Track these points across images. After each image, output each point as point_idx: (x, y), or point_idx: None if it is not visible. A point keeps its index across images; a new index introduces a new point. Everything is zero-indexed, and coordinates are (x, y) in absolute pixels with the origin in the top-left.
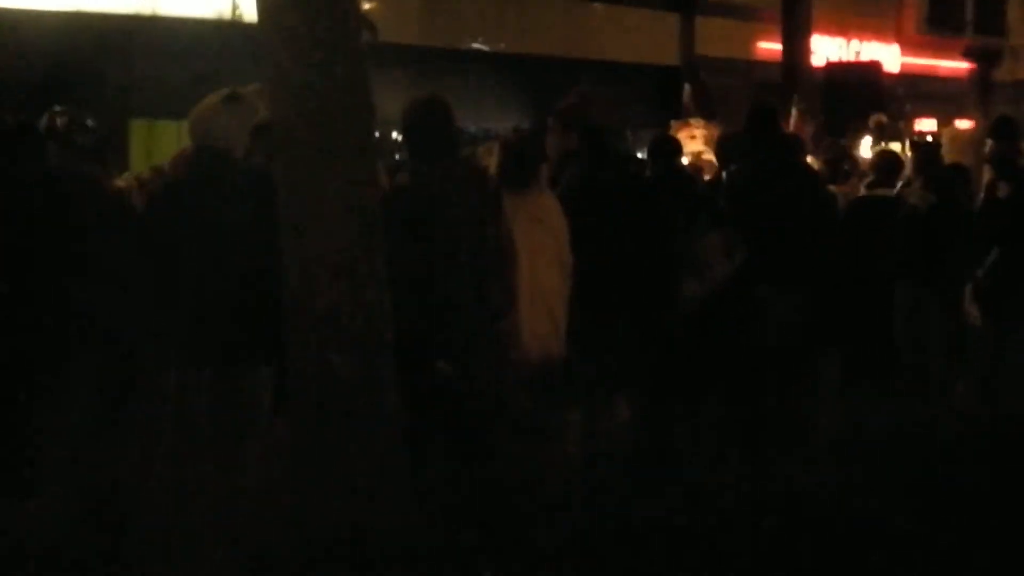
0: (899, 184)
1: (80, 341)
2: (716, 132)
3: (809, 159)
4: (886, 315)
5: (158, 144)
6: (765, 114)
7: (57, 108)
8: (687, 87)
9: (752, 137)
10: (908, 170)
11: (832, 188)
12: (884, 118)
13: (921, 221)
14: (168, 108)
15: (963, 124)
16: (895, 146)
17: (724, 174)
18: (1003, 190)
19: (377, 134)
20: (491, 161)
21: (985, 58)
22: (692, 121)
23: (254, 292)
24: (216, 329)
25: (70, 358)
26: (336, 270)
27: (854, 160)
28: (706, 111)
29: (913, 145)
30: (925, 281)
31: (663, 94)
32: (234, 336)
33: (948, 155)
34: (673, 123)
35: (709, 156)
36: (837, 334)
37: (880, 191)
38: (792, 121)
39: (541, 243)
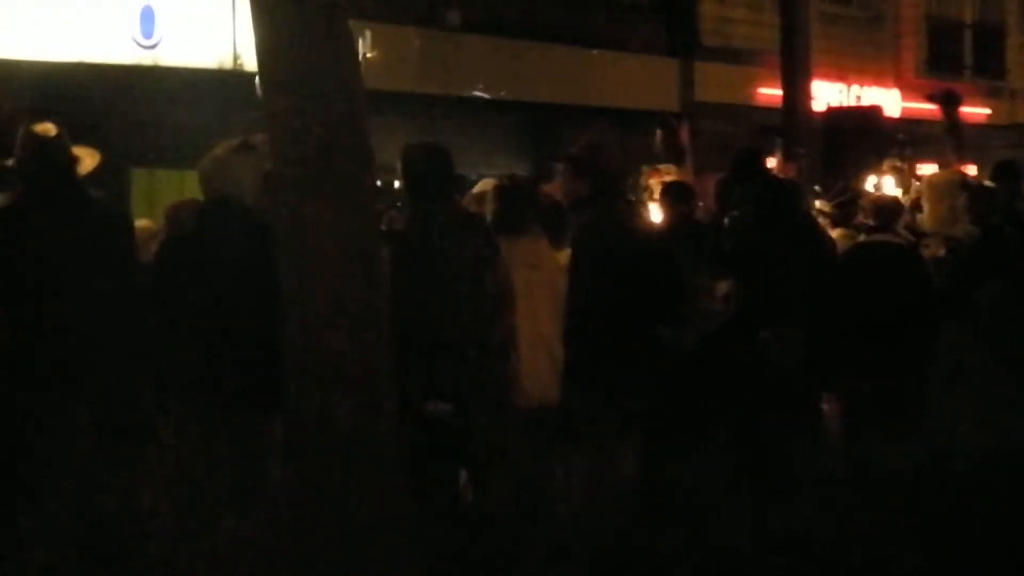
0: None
1: (82, 382)
2: (687, 177)
3: (818, 203)
4: (893, 359)
5: (159, 193)
6: (749, 158)
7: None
8: (658, 132)
9: (738, 181)
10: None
11: (834, 233)
12: (899, 162)
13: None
14: (169, 157)
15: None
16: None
17: (725, 220)
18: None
19: (377, 181)
20: (485, 207)
21: (946, 101)
22: (662, 167)
23: (267, 340)
24: (231, 377)
25: (73, 397)
26: (336, 315)
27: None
28: (677, 156)
29: (964, 185)
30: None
31: None
32: (249, 384)
33: (926, 202)
34: (644, 168)
35: None
36: (840, 378)
37: (880, 237)
38: (776, 164)
39: (539, 288)
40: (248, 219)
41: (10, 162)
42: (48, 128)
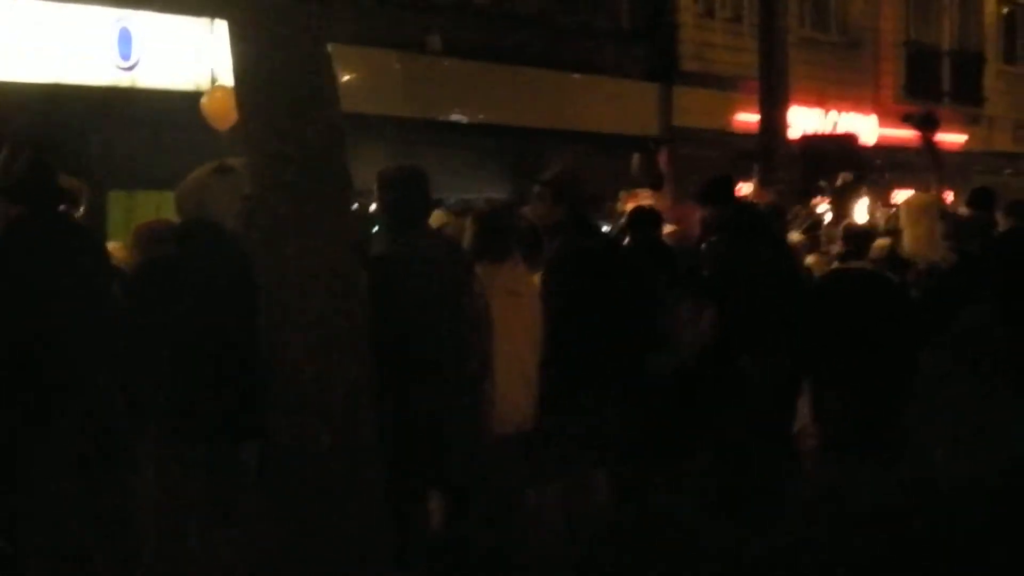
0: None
1: (63, 408)
2: (665, 202)
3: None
4: (869, 385)
5: (137, 215)
6: (720, 184)
7: None
8: (635, 156)
9: (710, 207)
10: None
11: (808, 260)
12: (850, 176)
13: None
14: (147, 179)
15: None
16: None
17: (703, 246)
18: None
19: (356, 205)
20: (465, 234)
21: (924, 124)
22: (639, 192)
23: (245, 365)
24: (208, 403)
25: (52, 423)
26: (315, 341)
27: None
28: (655, 181)
29: (942, 213)
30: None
31: None
32: (225, 410)
33: (905, 225)
34: (622, 194)
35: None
36: (818, 404)
37: (854, 264)
38: (752, 190)
39: (517, 314)
40: (226, 243)
41: None
42: (37, 150)
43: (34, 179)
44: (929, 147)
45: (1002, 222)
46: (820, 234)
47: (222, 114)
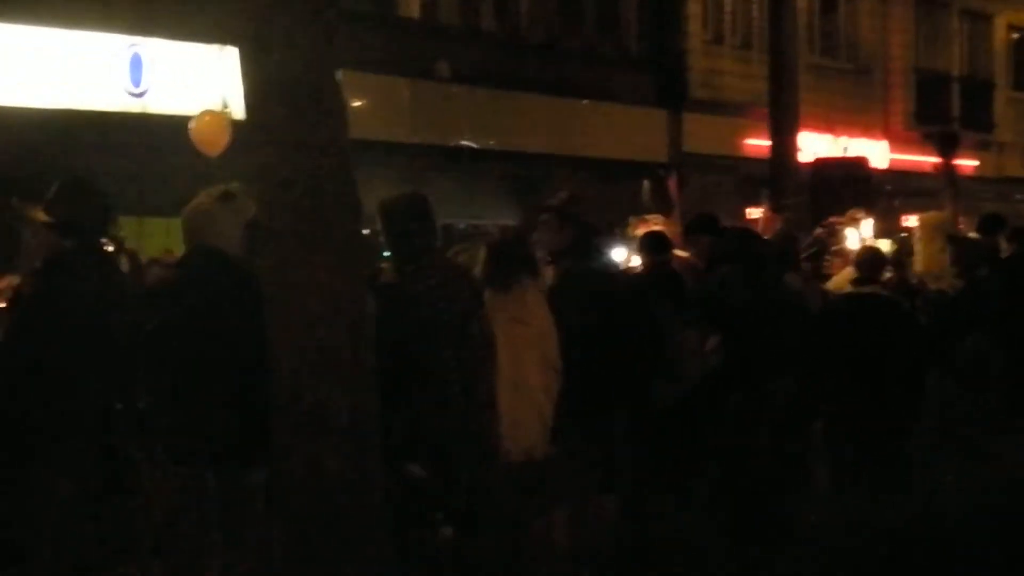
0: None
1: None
2: (675, 228)
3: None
4: (878, 410)
5: (147, 241)
6: (704, 220)
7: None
8: (645, 183)
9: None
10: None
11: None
12: (860, 214)
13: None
14: (157, 205)
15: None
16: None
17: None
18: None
19: (366, 231)
20: (476, 262)
21: (944, 143)
22: (650, 218)
23: (252, 390)
24: (215, 428)
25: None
26: (322, 367)
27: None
28: (665, 207)
29: (951, 239)
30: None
31: None
32: (233, 435)
33: (919, 242)
34: (632, 219)
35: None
36: (827, 429)
37: (868, 288)
38: (762, 217)
39: (526, 342)
40: (231, 268)
41: (44, 215)
42: (85, 181)
43: (86, 216)
44: (947, 166)
45: (1004, 248)
46: (826, 259)
47: (211, 139)
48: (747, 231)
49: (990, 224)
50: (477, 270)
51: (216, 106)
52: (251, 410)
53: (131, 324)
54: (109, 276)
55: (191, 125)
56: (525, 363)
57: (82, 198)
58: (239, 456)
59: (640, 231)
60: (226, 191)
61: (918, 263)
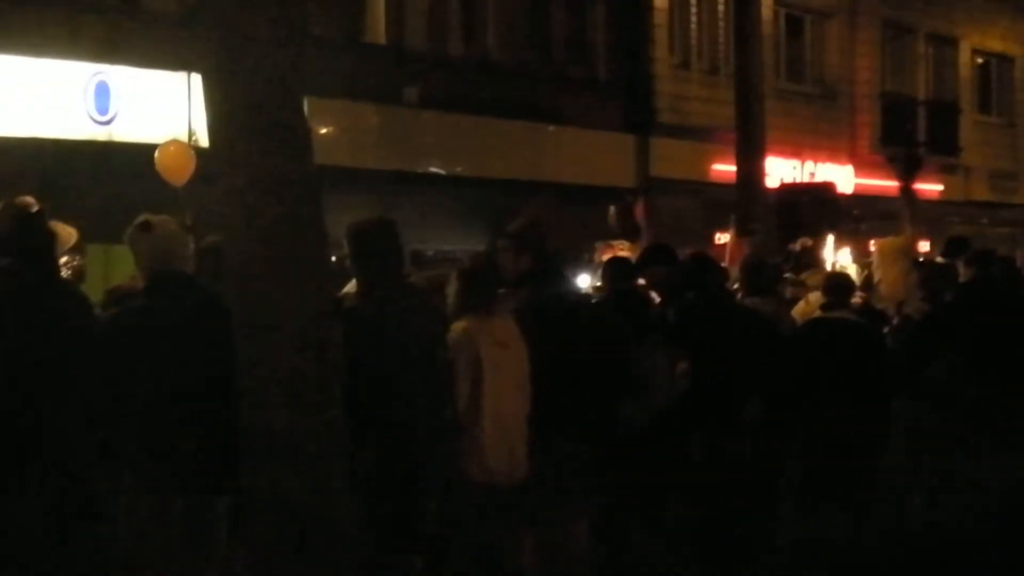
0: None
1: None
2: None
3: None
4: (847, 433)
5: (114, 269)
6: (657, 250)
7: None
8: (611, 209)
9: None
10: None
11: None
12: (809, 242)
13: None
14: (124, 233)
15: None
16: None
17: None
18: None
19: (334, 257)
20: (448, 288)
21: (907, 164)
22: (615, 243)
23: (219, 416)
24: (180, 454)
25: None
26: (290, 394)
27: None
28: (631, 232)
29: (916, 263)
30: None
31: None
32: (197, 461)
33: (878, 268)
34: (597, 245)
35: None
36: (798, 452)
37: (837, 313)
38: (729, 242)
39: (507, 367)
40: (197, 292)
41: None
42: (28, 203)
43: (20, 233)
44: (907, 189)
45: (962, 272)
46: (786, 280)
47: (176, 169)
48: (703, 258)
49: (955, 248)
50: (449, 295)
51: (181, 135)
52: (218, 436)
53: (93, 349)
54: (55, 296)
55: (156, 155)
56: (505, 387)
57: (16, 217)
58: (206, 482)
59: (606, 256)
60: (145, 221)
61: (880, 289)
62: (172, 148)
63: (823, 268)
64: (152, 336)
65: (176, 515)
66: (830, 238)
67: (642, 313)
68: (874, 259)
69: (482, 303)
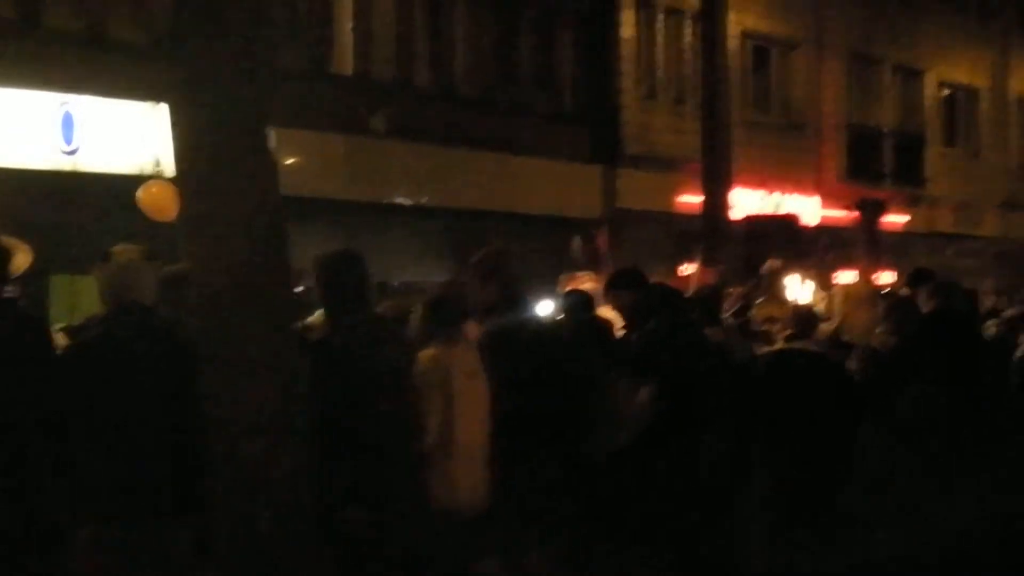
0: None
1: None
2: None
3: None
4: (811, 465)
5: (80, 299)
6: (627, 274)
7: None
8: (575, 240)
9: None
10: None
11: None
12: (778, 263)
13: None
14: (89, 264)
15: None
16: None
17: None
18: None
19: (300, 288)
20: (413, 318)
21: (871, 209)
22: (579, 274)
23: (181, 445)
24: (148, 484)
25: None
26: (256, 424)
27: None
28: (595, 264)
29: (883, 295)
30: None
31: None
32: (156, 489)
33: (842, 310)
34: (562, 277)
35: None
36: (765, 481)
37: (799, 344)
38: (695, 272)
39: (474, 396)
40: (156, 323)
41: None
42: None
43: None
44: (870, 232)
45: (924, 303)
46: (751, 315)
47: (158, 208)
48: (669, 287)
49: (919, 279)
50: (413, 327)
51: (151, 167)
52: (177, 462)
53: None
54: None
55: (139, 195)
56: (473, 416)
57: None
58: (167, 508)
59: (570, 288)
60: (106, 253)
61: (844, 332)
62: (154, 189)
63: (780, 297)
64: (107, 365)
65: (139, 543)
66: (794, 277)
67: (605, 343)
68: (837, 301)
69: (449, 332)
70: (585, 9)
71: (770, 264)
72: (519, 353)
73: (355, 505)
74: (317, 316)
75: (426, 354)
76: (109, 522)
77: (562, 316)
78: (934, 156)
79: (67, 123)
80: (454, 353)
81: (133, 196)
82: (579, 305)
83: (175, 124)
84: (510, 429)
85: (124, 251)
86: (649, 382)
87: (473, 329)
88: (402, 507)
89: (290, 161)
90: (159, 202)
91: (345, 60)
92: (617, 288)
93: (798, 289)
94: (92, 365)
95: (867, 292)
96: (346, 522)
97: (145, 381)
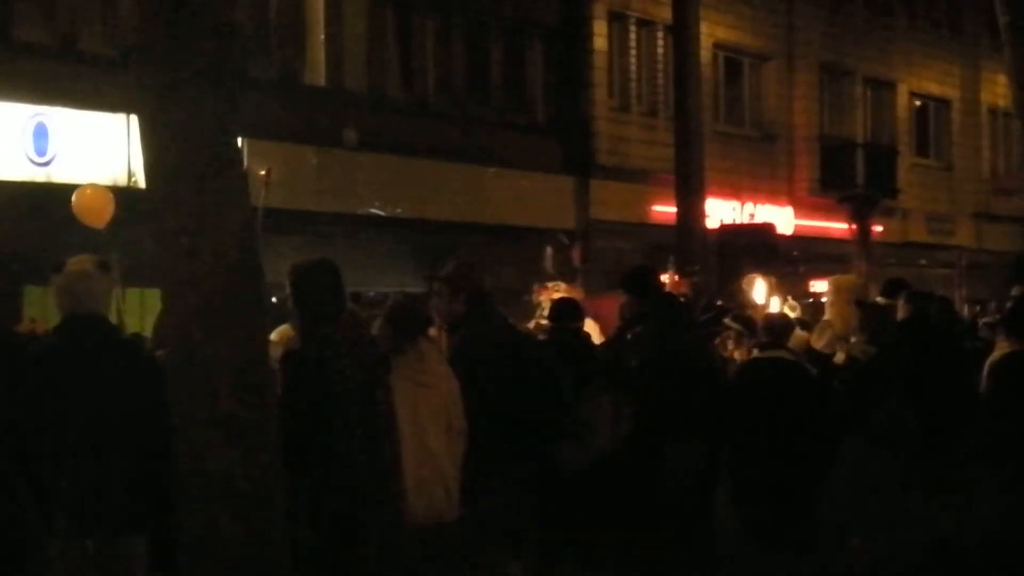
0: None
1: None
2: (578, 295)
3: None
4: (786, 473)
5: (52, 310)
6: (642, 275)
7: None
8: (548, 250)
9: (632, 298)
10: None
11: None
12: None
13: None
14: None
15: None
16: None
17: (628, 336)
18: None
19: (273, 299)
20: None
21: (860, 205)
22: (551, 284)
23: (133, 458)
24: (97, 497)
25: None
26: (227, 434)
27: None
28: (567, 274)
29: (858, 304)
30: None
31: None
32: (115, 504)
33: (831, 306)
34: (535, 287)
35: None
36: (738, 492)
37: (772, 353)
38: (668, 283)
39: (428, 406)
40: (111, 333)
41: None
42: None
43: None
44: (861, 230)
45: (901, 311)
46: (725, 323)
47: (94, 212)
48: (670, 295)
49: (893, 288)
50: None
51: (134, 183)
52: (132, 474)
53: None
54: None
55: (73, 198)
56: (428, 427)
57: None
58: (122, 522)
59: (543, 297)
60: (59, 264)
61: (835, 326)
62: (88, 191)
63: (752, 307)
64: (59, 375)
65: (92, 556)
66: (760, 281)
67: (583, 354)
68: (828, 297)
69: (396, 341)
70: (557, 21)
71: (746, 276)
72: (489, 365)
73: (310, 530)
74: (287, 327)
75: None
76: (76, 535)
77: (548, 324)
78: (906, 167)
79: (40, 134)
80: (402, 361)
81: None
82: (567, 312)
83: (145, 136)
84: (480, 442)
85: (78, 261)
86: (628, 398)
87: (439, 340)
88: (372, 519)
89: (261, 172)
90: (93, 205)
91: (317, 72)
92: (625, 289)
93: (763, 297)
94: (44, 375)
95: (858, 286)
96: (298, 543)
97: (98, 390)
